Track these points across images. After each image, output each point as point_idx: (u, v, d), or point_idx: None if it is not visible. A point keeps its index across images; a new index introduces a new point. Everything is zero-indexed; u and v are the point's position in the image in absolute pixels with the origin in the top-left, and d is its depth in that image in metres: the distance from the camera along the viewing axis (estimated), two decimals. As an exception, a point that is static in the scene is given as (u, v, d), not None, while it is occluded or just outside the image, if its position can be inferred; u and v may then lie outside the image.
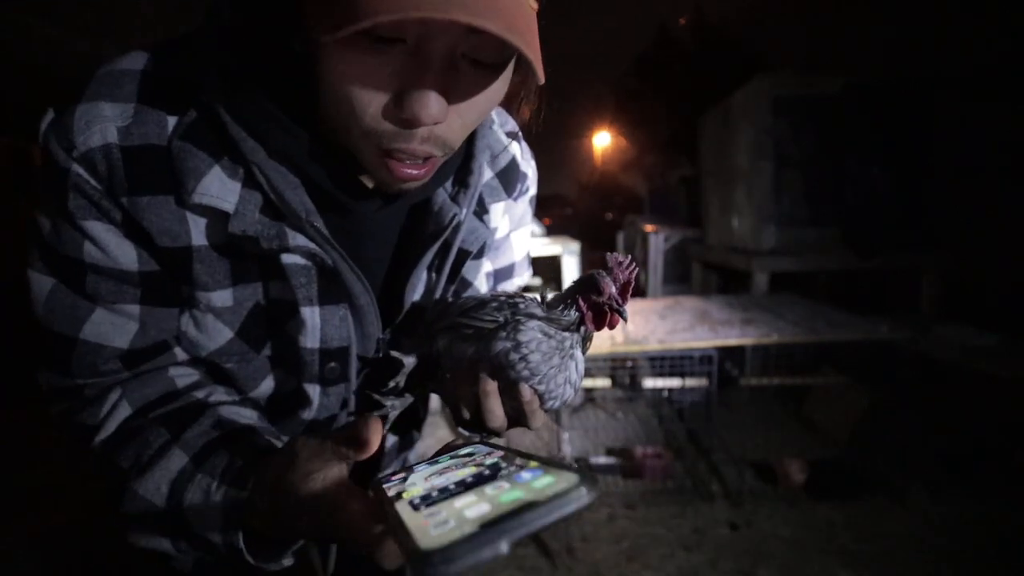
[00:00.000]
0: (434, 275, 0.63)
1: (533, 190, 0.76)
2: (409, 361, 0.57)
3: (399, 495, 0.36)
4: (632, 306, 2.89)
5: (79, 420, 0.53)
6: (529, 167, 0.73)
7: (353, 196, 0.54)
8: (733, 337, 2.32)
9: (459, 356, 0.52)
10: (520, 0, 0.40)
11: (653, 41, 10.48)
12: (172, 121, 0.48)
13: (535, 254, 3.28)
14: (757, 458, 2.55)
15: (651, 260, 5.52)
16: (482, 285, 0.72)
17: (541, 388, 0.49)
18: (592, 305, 0.49)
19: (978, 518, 2.12)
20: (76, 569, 1.67)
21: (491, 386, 0.49)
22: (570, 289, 0.51)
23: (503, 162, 0.66)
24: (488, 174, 0.65)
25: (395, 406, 0.57)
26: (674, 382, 2.79)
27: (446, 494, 0.34)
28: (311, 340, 0.55)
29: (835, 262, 3.85)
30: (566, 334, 0.49)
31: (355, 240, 0.57)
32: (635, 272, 0.49)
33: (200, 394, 0.55)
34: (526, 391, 0.48)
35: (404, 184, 0.49)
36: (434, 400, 0.84)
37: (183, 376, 0.56)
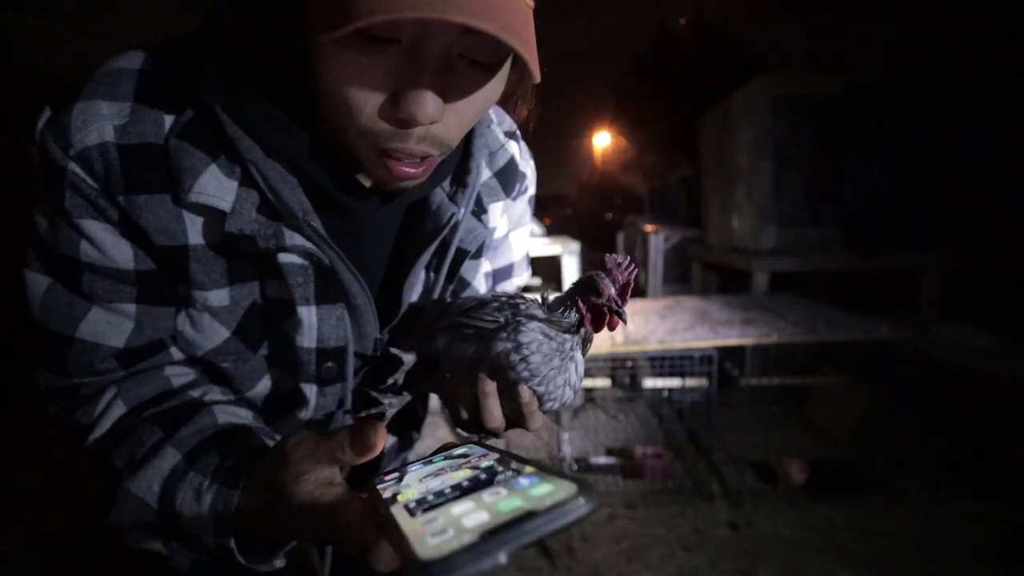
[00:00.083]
0: (432, 275, 0.63)
1: (532, 190, 0.76)
2: (408, 358, 0.57)
3: (394, 497, 0.36)
4: (632, 306, 2.89)
5: (75, 419, 0.53)
6: (528, 167, 0.72)
7: (351, 195, 0.54)
8: (733, 337, 2.32)
9: (458, 356, 0.52)
10: None
11: (653, 41, 10.48)
12: (169, 120, 0.48)
13: (535, 254, 3.28)
14: (757, 458, 2.55)
15: (651, 260, 5.52)
16: (481, 285, 0.72)
17: (541, 390, 0.49)
18: (591, 307, 0.49)
19: (978, 518, 2.12)
20: (74, 568, 1.67)
21: (490, 387, 0.49)
22: (570, 291, 0.51)
23: (501, 162, 0.66)
24: (486, 174, 0.65)
25: (392, 404, 0.56)
26: (674, 382, 2.79)
27: (442, 498, 0.34)
28: (308, 340, 0.55)
29: (835, 262, 3.85)
30: (567, 336, 0.49)
31: (353, 239, 0.57)
32: (634, 273, 0.49)
33: (195, 393, 0.55)
34: (525, 392, 0.48)
35: (402, 183, 0.49)
36: (434, 400, 0.84)
37: (179, 375, 0.56)
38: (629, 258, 0.50)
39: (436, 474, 0.39)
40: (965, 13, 4.53)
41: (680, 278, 5.51)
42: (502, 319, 0.49)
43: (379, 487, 0.38)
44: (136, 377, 0.54)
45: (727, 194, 4.52)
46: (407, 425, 0.76)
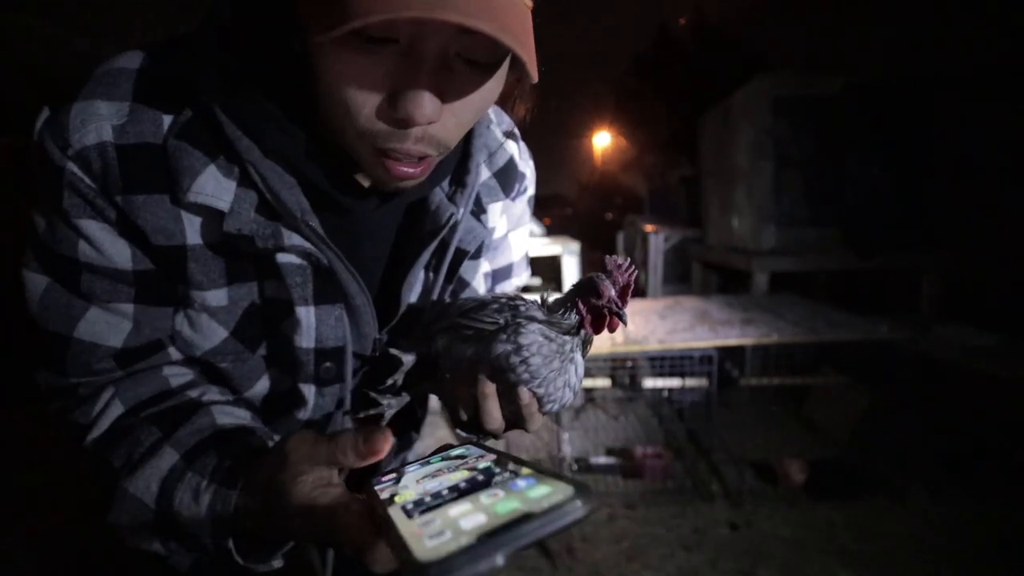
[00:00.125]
0: (431, 275, 0.63)
1: (531, 190, 0.76)
2: (408, 359, 0.57)
3: (391, 499, 0.36)
4: (632, 306, 2.89)
5: (72, 419, 0.53)
6: (527, 167, 0.72)
7: (349, 195, 0.54)
8: (733, 337, 2.32)
9: (458, 357, 0.52)
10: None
11: (653, 41, 10.48)
12: (168, 120, 0.48)
13: (535, 254, 3.28)
14: (757, 458, 2.55)
15: (651, 260, 5.51)
16: (480, 285, 0.72)
17: (540, 391, 0.49)
18: (591, 308, 0.49)
19: (978, 518, 2.12)
20: (74, 568, 1.67)
21: (490, 388, 0.49)
22: (570, 292, 0.50)
23: (500, 162, 0.66)
24: (485, 174, 0.65)
25: (391, 405, 0.56)
26: (674, 382, 2.79)
27: (439, 500, 0.34)
28: (306, 340, 0.55)
29: (835, 262, 3.85)
30: (566, 337, 0.49)
31: (351, 239, 0.57)
32: (634, 275, 0.49)
33: (194, 393, 0.55)
34: (525, 394, 0.48)
35: (401, 183, 0.49)
36: (433, 400, 0.84)
37: (177, 375, 0.56)
38: (629, 259, 0.50)
39: (434, 475, 0.39)
40: (965, 13, 4.53)
41: (680, 278, 5.51)
42: (502, 320, 0.49)
43: (376, 488, 0.38)
44: (134, 377, 0.54)
45: (727, 194, 4.52)
46: (406, 425, 0.76)
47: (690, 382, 2.70)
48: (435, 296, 0.63)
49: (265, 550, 0.47)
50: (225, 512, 0.44)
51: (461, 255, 0.62)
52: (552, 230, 4.78)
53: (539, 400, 0.49)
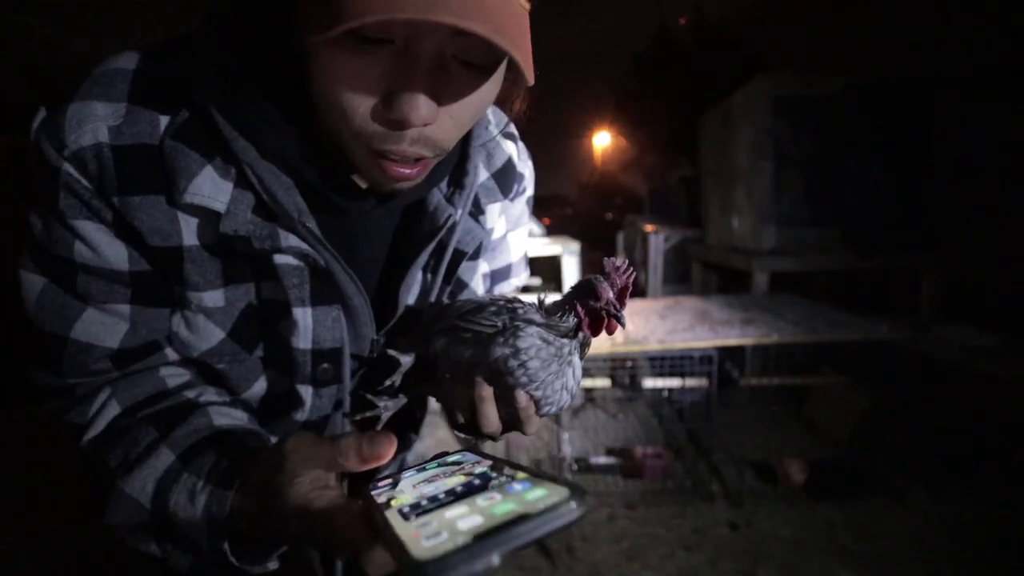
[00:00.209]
0: (429, 276, 0.62)
1: (530, 190, 0.76)
2: (406, 360, 0.57)
3: (388, 503, 0.36)
4: (632, 306, 2.89)
5: (69, 419, 0.53)
6: (526, 167, 0.72)
7: (346, 196, 0.53)
8: (733, 337, 2.32)
9: (456, 359, 0.51)
10: (509, 0, 0.40)
11: (653, 41, 10.50)
12: (164, 121, 0.48)
13: (535, 254, 3.28)
14: (757, 458, 2.55)
15: (651, 260, 5.51)
16: (478, 286, 0.72)
17: (538, 395, 0.48)
18: (590, 311, 0.48)
19: (978, 518, 2.12)
20: (74, 568, 1.67)
21: (487, 391, 0.49)
22: (568, 295, 0.50)
23: (499, 163, 0.66)
24: (484, 175, 0.65)
25: (388, 407, 0.56)
26: (674, 382, 2.79)
27: (436, 503, 0.34)
28: (303, 341, 0.55)
29: (835, 262, 3.85)
30: (564, 340, 0.49)
31: (349, 241, 0.57)
32: (633, 277, 0.49)
33: (191, 394, 0.54)
34: (523, 398, 0.48)
35: (397, 184, 0.49)
36: (433, 401, 0.84)
37: (174, 376, 0.56)
38: (628, 262, 0.50)
39: (430, 480, 0.39)
40: (965, 13, 4.53)
41: (680, 278, 5.51)
42: (500, 323, 0.49)
43: (373, 493, 0.38)
44: (130, 378, 0.54)
45: (727, 194, 4.52)
46: (405, 426, 0.75)
47: (690, 382, 2.70)
48: (433, 297, 0.63)
49: (261, 552, 0.47)
50: (221, 513, 0.44)
51: (459, 256, 0.62)
52: (552, 230, 4.79)
53: (536, 403, 0.49)
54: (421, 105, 0.42)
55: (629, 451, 2.59)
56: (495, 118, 0.66)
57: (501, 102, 0.53)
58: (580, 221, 13.19)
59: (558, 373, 0.49)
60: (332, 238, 0.53)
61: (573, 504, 0.30)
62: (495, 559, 0.27)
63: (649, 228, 5.74)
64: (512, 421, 0.50)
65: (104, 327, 0.52)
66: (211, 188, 0.48)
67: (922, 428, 2.44)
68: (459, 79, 0.44)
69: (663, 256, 5.53)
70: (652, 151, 10.28)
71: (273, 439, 0.53)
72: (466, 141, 0.60)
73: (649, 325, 2.55)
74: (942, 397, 2.60)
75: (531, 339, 0.47)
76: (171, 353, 0.56)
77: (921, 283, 3.74)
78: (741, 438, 2.67)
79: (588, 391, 3.28)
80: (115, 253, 0.50)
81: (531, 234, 0.86)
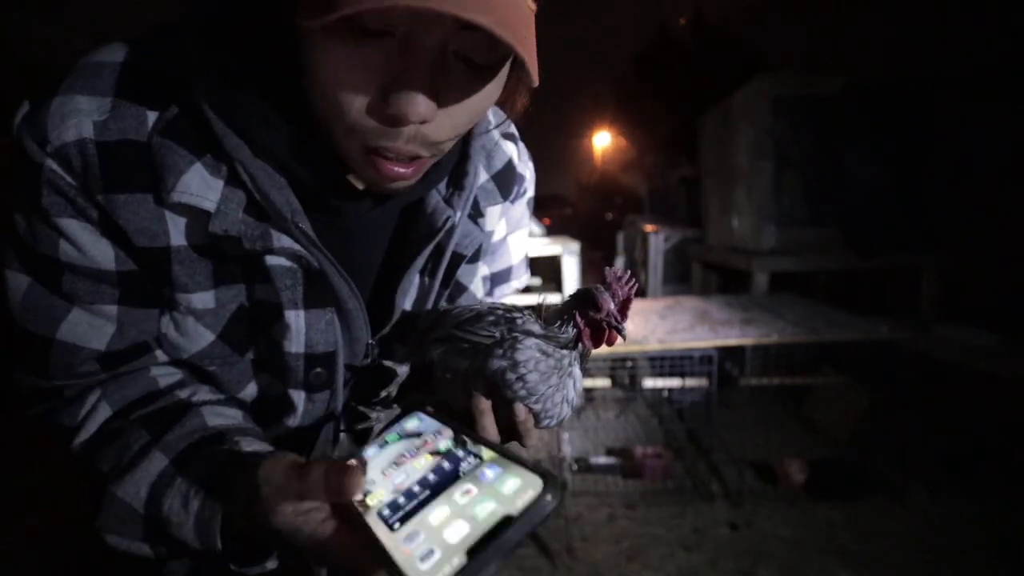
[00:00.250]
0: (427, 279, 0.61)
1: (531, 192, 0.75)
2: (402, 371, 0.55)
3: (364, 500, 0.36)
4: (632, 306, 2.88)
5: (58, 421, 0.52)
6: (526, 169, 0.71)
7: (342, 196, 0.52)
8: (733, 337, 2.32)
9: (453, 370, 0.50)
10: (518, 0, 0.39)
11: (653, 41, 10.48)
12: (152, 116, 0.46)
13: (535, 254, 3.28)
14: (757, 458, 2.55)
15: (651, 260, 5.51)
16: (478, 290, 0.70)
17: (537, 407, 0.47)
18: (590, 322, 0.47)
19: (978, 518, 2.12)
20: (74, 569, 1.67)
21: (485, 404, 0.47)
22: (568, 304, 0.49)
23: (499, 164, 0.65)
24: (483, 176, 0.64)
25: (380, 419, 0.55)
26: (674, 382, 2.79)
27: (413, 499, 0.35)
28: (296, 345, 0.53)
29: (835, 262, 3.85)
30: (564, 352, 0.47)
31: (344, 242, 0.55)
32: (635, 288, 0.48)
33: (183, 394, 0.53)
34: (521, 411, 0.47)
35: (392, 183, 0.48)
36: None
37: (165, 375, 0.54)
38: (630, 272, 0.49)
39: (397, 463, 0.39)
40: (965, 13, 4.52)
41: (680, 278, 5.50)
42: (497, 334, 0.48)
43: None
44: (119, 379, 0.52)
45: (727, 194, 4.52)
46: None
47: (690, 382, 2.70)
48: (431, 301, 0.61)
49: (258, 552, 0.46)
50: (214, 519, 0.43)
51: (458, 259, 0.61)
52: (552, 230, 4.78)
53: (536, 416, 0.48)
54: (419, 101, 0.40)
55: (629, 451, 2.59)
56: (495, 119, 0.65)
57: (501, 103, 0.52)
58: (580, 221, 13.19)
59: (558, 386, 0.47)
60: (326, 239, 0.51)
61: (548, 496, 0.31)
62: (491, 569, 0.28)
63: (649, 228, 5.74)
64: (510, 433, 0.49)
65: (91, 328, 0.50)
66: (200, 186, 0.46)
67: (922, 428, 2.44)
68: (461, 78, 0.42)
69: (663, 256, 5.53)
70: (652, 151, 10.27)
71: (267, 444, 0.51)
72: (466, 142, 0.58)
73: (649, 325, 2.54)
74: (942, 397, 2.60)
75: (529, 351, 0.46)
76: (160, 355, 0.54)
77: (921, 283, 3.74)
78: (741, 438, 2.67)
79: (588, 391, 3.28)
80: (101, 252, 0.48)
81: (531, 234, 0.86)
